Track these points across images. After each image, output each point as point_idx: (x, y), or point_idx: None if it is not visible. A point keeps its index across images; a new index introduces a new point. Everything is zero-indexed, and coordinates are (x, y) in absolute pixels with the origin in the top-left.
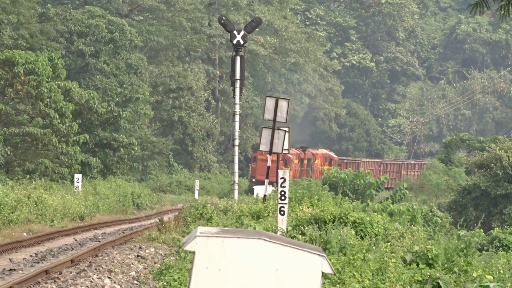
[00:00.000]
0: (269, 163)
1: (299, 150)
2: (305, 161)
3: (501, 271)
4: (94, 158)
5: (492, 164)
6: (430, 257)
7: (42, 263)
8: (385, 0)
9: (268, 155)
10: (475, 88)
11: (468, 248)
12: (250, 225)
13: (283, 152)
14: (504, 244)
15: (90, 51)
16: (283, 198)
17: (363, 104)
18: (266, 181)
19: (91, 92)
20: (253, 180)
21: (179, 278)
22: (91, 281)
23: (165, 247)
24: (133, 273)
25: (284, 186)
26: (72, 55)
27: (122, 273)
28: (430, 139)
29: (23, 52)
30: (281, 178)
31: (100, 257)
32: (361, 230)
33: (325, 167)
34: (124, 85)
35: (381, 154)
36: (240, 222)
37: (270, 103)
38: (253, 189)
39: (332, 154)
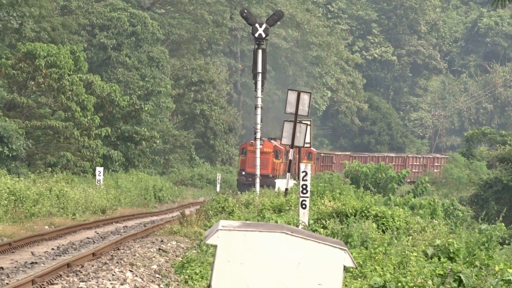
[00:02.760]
0: (291, 157)
1: (274, 143)
2: (282, 154)
3: None
4: (116, 151)
5: None
6: (451, 251)
7: (64, 256)
8: None
9: (291, 148)
10: (497, 81)
11: (489, 242)
12: (272, 219)
13: (305, 145)
14: None
15: (112, 44)
16: (305, 191)
17: (385, 97)
18: (288, 174)
19: (113, 85)
20: (243, 173)
21: (200, 271)
22: (112, 275)
23: (186, 240)
24: (154, 266)
25: (306, 180)
26: (94, 48)
27: (143, 267)
28: (452, 133)
29: (45, 45)
30: (303, 172)
31: (122, 251)
32: (383, 223)
33: (304, 160)
34: (146, 78)
35: (402, 148)
36: (261, 215)
37: (292, 96)
38: (243, 184)
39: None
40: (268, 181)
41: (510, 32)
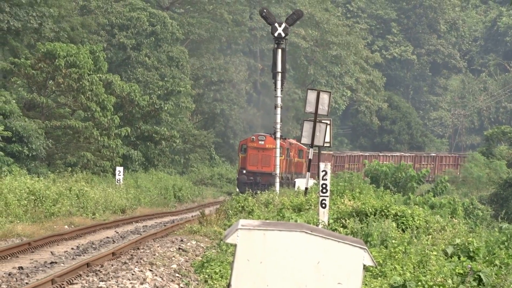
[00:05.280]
0: (310, 156)
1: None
2: (285, 151)
3: None
4: (136, 151)
5: None
6: (471, 250)
7: (84, 255)
8: None
9: (310, 148)
10: None
11: (509, 240)
12: (292, 218)
13: (325, 145)
14: None
15: (131, 44)
16: (324, 191)
17: (405, 96)
18: (308, 173)
19: (132, 85)
20: (244, 171)
21: (220, 270)
22: (132, 274)
23: (206, 240)
24: (174, 266)
25: (326, 179)
26: (114, 48)
27: (163, 266)
28: (472, 132)
29: (65, 45)
30: (322, 171)
31: (142, 250)
32: (402, 223)
33: (296, 158)
34: (166, 78)
35: (422, 147)
36: (281, 215)
37: (311, 95)
38: (244, 183)
39: (301, 144)
40: (271, 180)
41: None
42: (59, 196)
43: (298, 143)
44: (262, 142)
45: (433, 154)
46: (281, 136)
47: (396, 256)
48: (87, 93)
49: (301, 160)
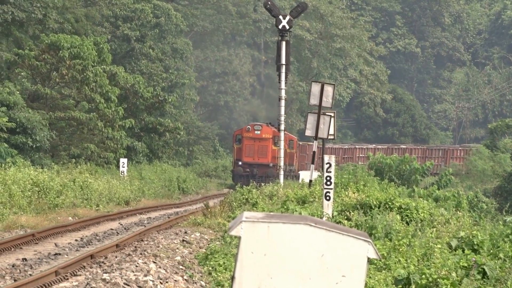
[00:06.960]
0: (314, 148)
1: (273, 128)
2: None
3: None
4: (140, 143)
5: None
6: (475, 243)
7: (87, 247)
8: None
9: (314, 140)
10: None
11: None
12: (296, 210)
13: (329, 137)
14: None
15: (135, 35)
16: (329, 183)
17: (409, 89)
18: (312, 166)
19: (136, 76)
20: (239, 163)
21: (224, 263)
22: (136, 266)
23: (210, 232)
24: (178, 258)
25: (330, 171)
26: (118, 40)
27: (167, 258)
28: (476, 125)
29: (69, 36)
30: (326, 164)
31: (146, 242)
32: (407, 215)
33: (287, 149)
34: (170, 70)
35: (426, 140)
36: (285, 207)
37: (315, 88)
38: (239, 176)
39: (291, 135)
40: (268, 171)
41: None
42: (63, 188)
43: (289, 134)
44: (259, 132)
45: (404, 146)
46: (273, 125)
47: (400, 249)
48: (91, 84)
49: (292, 151)
